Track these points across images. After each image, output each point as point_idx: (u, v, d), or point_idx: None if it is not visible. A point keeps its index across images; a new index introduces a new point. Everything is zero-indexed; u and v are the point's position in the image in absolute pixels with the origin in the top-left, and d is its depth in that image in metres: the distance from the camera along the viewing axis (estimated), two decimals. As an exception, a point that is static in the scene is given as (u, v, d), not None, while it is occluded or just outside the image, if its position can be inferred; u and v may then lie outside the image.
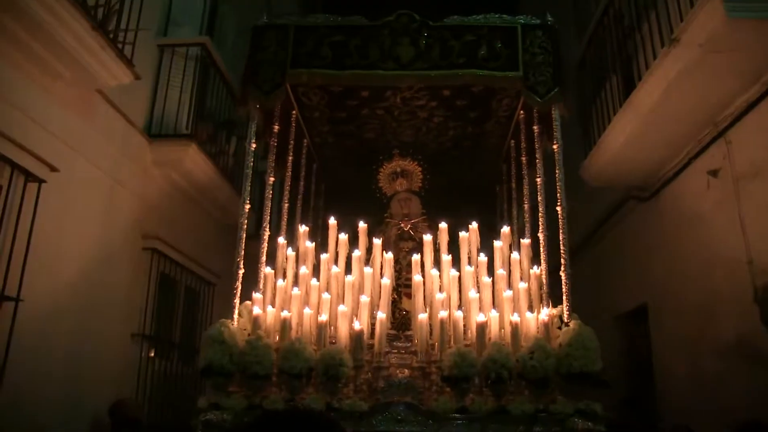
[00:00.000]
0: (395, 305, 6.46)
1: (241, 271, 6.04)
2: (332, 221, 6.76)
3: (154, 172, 8.33)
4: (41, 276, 6.00)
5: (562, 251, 6.02)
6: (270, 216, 6.53)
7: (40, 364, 6.06)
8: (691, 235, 7.57)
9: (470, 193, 8.54)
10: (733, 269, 6.59)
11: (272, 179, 6.69)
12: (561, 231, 6.07)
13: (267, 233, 6.40)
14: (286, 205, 7.21)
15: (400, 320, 6.38)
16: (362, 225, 6.66)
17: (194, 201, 9.34)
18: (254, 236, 6.57)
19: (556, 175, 6.25)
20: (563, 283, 5.92)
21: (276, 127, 6.87)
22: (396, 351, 6.05)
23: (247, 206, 6.27)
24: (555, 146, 6.35)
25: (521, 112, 7.21)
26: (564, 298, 5.89)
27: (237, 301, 5.97)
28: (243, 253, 6.11)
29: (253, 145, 6.51)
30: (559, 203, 6.16)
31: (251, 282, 6.23)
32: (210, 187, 9.24)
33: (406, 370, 5.89)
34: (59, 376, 6.41)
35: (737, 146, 6.65)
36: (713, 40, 5.62)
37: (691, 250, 7.59)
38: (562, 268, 5.96)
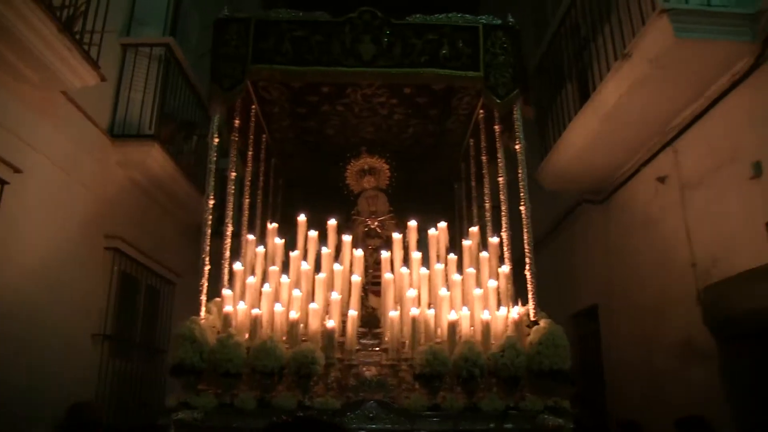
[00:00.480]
0: (362, 303, 6.44)
1: (207, 268, 5.95)
2: (302, 218, 6.71)
3: (117, 173, 8.35)
4: (2, 277, 6.05)
5: (526, 250, 6.08)
6: (232, 212, 6.46)
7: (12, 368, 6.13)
8: (640, 239, 7.95)
9: (429, 191, 8.61)
10: (679, 272, 6.99)
11: (233, 174, 6.61)
12: (525, 230, 6.14)
13: (230, 229, 6.33)
14: (247, 200, 7.15)
15: (367, 318, 6.35)
16: (332, 222, 6.64)
17: (156, 200, 9.29)
18: (215, 234, 6.47)
19: (519, 175, 6.33)
20: (528, 281, 6.01)
21: (236, 122, 6.81)
22: (364, 349, 6.04)
23: (211, 201, 6.18)
24: (518, 146, 6.41)
25: (481, 111, 7.27)
26: (530, 296, 5.97)
27: (204, 298, 5.88)
28: (208, 249, 6.01)
29: (216, 140, 6.41)
30: (522, 203, 6.23)
31: (215, 279, 6.17)
32: (172, 187, 9.19)
33: (374, 368, 5.88)
34: (18, 378, 6.35)
35: (683, 155, 7.07)
36: (662, 56, 6.09)
37: (639, 253, 7.97)
38: (527, 267, 6.03)
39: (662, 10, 5.85)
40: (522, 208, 6.22)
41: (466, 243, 6.58)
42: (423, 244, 6.54)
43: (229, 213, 6.39)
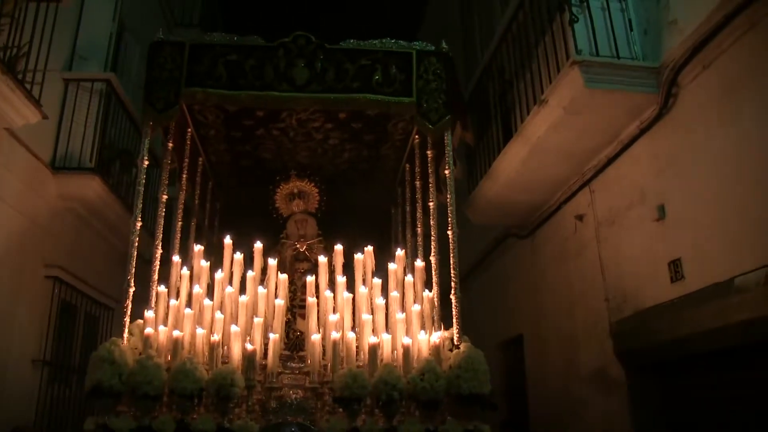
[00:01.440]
0: (289, 326, 6.47)
1: (132, 289, 5.91)
2: (227, 240, 6.70)
3: (57, 204, 8.46)
4: None
5: (452, 275, 6.13)
6: (163, 234, 6.44)
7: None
8: (561, 273, 8.22)
9: (365, 215, 8.60)
10: (594, 306, 7.28)
11: (165, 197, 6.59)
12: (452, 255, 6.20)
13: (159, 251, 6.32)
14: (180, 223, 7.13)
15: (294, 341, 6.38)
16: (258, 245, 6.64)
17: (96, 230, 9.40)
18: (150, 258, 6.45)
19: (448, 200, 6.39)
20: (453, 306, 6.05)
21: (170, 144, 6.79)
22: (290, 372, 6.05)
23: (139, 223, 6.16)
24: (447, 171, 6.48)
25: (416, 136, 7.34)
26: (454, 321, 6.01)
27: (127, 319, 5.84)
28: (134, 271, 5.98)
29: (146, 162, 6.40)
30: (450, 227, 6.29)
31: (145, 302, 6.14)
32: (112, 217, 9.27)
33: (300, 391, 5.89)
34: None
35: (599, 195, 7.39)
36: (574, 104, 6.37)
37: (561, 286, 8.24)
38: (453, 292, 6.08)
39: (573, 61, 6.14)
40: (449, 232, 6.27)
41: (391, 267, 6.61)
42: (350, 270, 6.57)
43: (159, 235, 6.37)
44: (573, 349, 7.77)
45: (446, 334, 6.05)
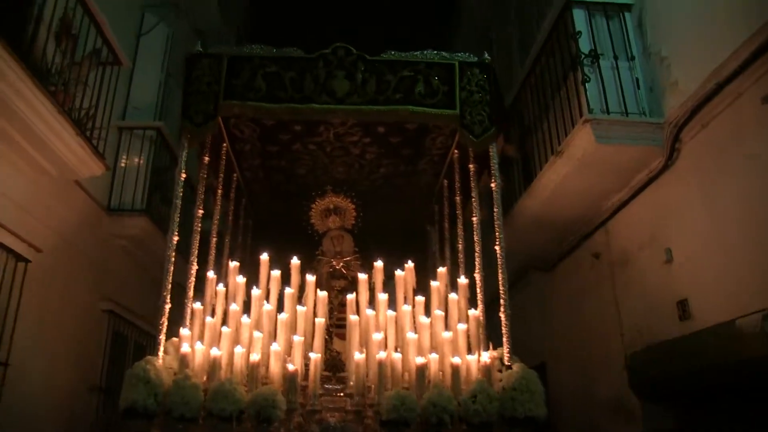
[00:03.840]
0: (326, 346, 6.18)
1: (168, 306, 5.73)
2: (264, 257, 6.49)
3: (112, 242, 8.92)
4: (24, 342, 6.73)
5: (501, 291, 5.90)
6: (198, 250, 6.26)
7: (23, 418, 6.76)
8: (579, 307, 8.51)
9: (400, 232, 8.46)
10: (610, 339, 7.56)
11: (201, 212, 6.41)
12: (500, 270, 5.98)
13: (195, 267, 6.13)
14: (214, 239, 6.92)
15: (332, 361, 6.08)
16: (295, 261, 6.40)
17: (143, 264, 9.55)
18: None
19: (495, 213, 6.19)
20: (503, 324, 5.80)
21: (206, 158, 6.63)
22: (328, 394, 5.74)
23: (176, 238, 5.97)
24: (493, 184, 6.28)
25: (455, 151, 7.14)
26: (504, 339, 5.76)
27: (163, 337, 5.64)
28: (170, 287, 5.79)
29: (183, 175, 6.21)
30: (497, 242, 6.06)
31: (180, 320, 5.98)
32: (158, 252, 9.23)
33: (338, 414, 5.61)
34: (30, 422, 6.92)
35: (613, 235, 7.73)
36: (587, 156, 6.76)
37: (578, 319, 8.51)
38: (502, 309, 5.84)
39: (585, 120, 6.55)
40: (497, 247, 6.06)
41: (434, 284, 6.36)
42: (391, 287, 6.35)
43: (194, 251, 6.18)
44: (591, 380, 8.02)
45: (495, 353, 5.78)
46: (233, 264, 6.61)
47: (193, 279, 6.09)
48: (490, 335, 6.08)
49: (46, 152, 6.77)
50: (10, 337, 6.52)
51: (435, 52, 6.56)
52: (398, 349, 5.78)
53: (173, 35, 10.69)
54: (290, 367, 5.40)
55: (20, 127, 6.29)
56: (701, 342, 5.87)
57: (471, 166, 6.71)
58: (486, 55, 6.66)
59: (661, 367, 6.52)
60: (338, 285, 7.01)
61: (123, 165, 9.22)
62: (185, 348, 5.54)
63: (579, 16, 7.18)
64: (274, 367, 5.47)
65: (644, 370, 6.84)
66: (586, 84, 6.79)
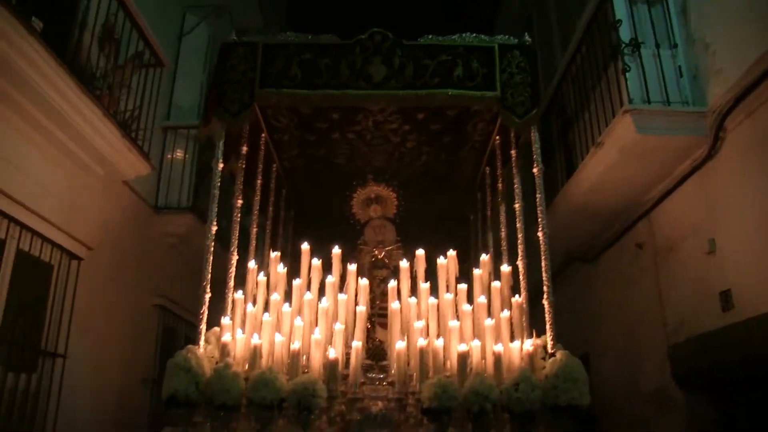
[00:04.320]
0: (369, 335, 6.13)
1: (208, 296, 5.72)
2: (305, 246, 6.47)
3: (160, 240, 9.29)
4: (79, 336, 7.08)
5: (545, 278, 5.80)
6: (239, 241, 6.25)
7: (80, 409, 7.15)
8: (623, 297, 8.45)
9: (442, 221, 8.38)
10: (653, 330, 7.54)
11: (240, 202, 6.38)
12: (543, 257, 5.87)
13: (235, 257, 6.12)
14: (255, 229, 6.91)
15: (374, 350, 6.02)
16: (337, 250, 6.37)
17: (190, 260, 9.63)
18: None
19: (537, 199, 6.10)
20: (546, 311, 5.70)
21: (244, 149, 6.60)
22: (370, 382, 5.69)
23: (214, 227, 5.97)
24: (536, 170, 6.16)
25: (497, 137, 7.03)
26: (548, 327, 5.66)
27: (203, 326, 5.62)
28: (210, 276, 5.78)
29: (221, 166, 6.20)
30: (540, 228, 5.96)
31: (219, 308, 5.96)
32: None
33: (380, 402, 5.55)
34: (86, 411, 7.34)
35: (657, 225, 7.65)
36: (628, 147, 6.70)
37: (622, 310, 8.47)
38: (545, 296, 5.73)
39: (625, 110, 6.46)
40: (540, 234, 5.95)
41: (476, 272, 6.28)
42: (433, 276, 6.28)
43: (234, 241, 6.17)
44: (634, 370, 7.96)
45: (539, 341, 5.68)
46: (274, 254, 6.59)
47: (233, 269, 6.07)
48: (534, 325, 5.99)
49: (94, 154, 7.06)
50: (67, 331, 6.84)
51: (473, 35, 6.46)
52: (440, 337, 5.69)
53: (214, 35, 10.81)
54: (331, 355, 5.36)
55: (70, 132, 6.55)
56: (743, 332, 5.81)
57: (513, 152, 6.62)
58: (526, 36, 6.54)
59: (703, 358, 6.48)
60: (380, 274, 6.97)
61: (168, 164, 9.53)
62: (226, 337, 5.53)
63: (619, 4, 7.08)
64: (315, 356, 5.43)
65: (686, 361, 6.82)
66: (627, 73, 6.71)
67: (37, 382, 6.53)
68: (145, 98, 8.06)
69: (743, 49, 5.83)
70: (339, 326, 5.64)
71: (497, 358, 5.40)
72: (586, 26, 7.75)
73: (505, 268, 6.28)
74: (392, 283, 6.09)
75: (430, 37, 6.42)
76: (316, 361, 5.42)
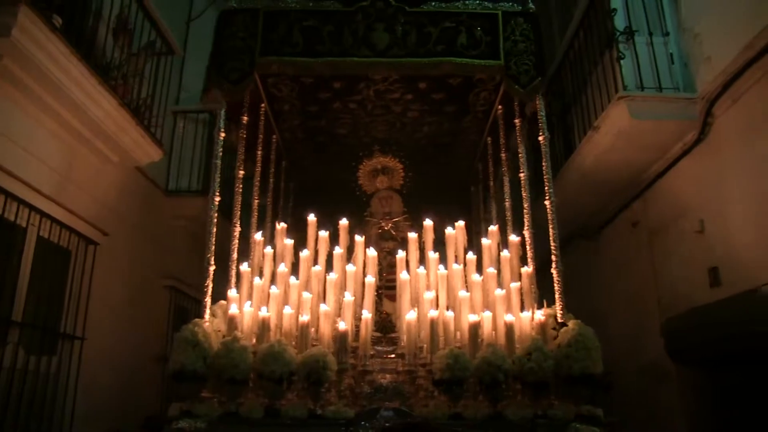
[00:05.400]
0: (376, 307, 6.04)
1: (212, 268, 5.64)
2: (311, 218, 6.38)
3: (171, 223, 9.46)
4: (96, 319, 7.23)
5: (552, 247, 5.75)
6: (242, 213, 6.17)
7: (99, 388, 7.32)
8: (620, 274, 8.79)
9: (445, 192, 8.30)
10: (649, 305, 7.82)
11: (242, 173, 6.29)
12: (550, 226, 5.82)
13: (238, 229, 6.06)
14: (257, 201, 6.80)
15: (382, 323, 5.93)
16: (344, 221, 6.29)
17: (201, 241, 9.75)
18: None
19: (543, 167, 6.04)
20: (555, 280, 5.65)
21: (245, 118, 6.49)
22: (378, 355, 5.64)
23: (217, 198, 5.88)
24: (541, 138, 6.09)
25: (500, 106, 6.94)
26: (557, 296, 5.61)
27: (209, 300, 5.55)
28: (213, 248, 5.71)
29: (222, 135, 6.10)
30: (547, 197, 5.91)
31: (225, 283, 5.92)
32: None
33: (389, 375, 5.49)
34: (104, 390, 7.46)
35: (651, 205, 7.94)
36: (623, 131, 6.94)
37: (620, 286, 8.78)
38: (554, 265, 5.67)
39: (620, 96, 6.70)
40: (547, 202, 5.91)
41: (485, 242, 6.20)
42: (439, 246, 6.21)
43: (237, 213, 6.09)
44: (630, 345, 8.14)
45: (549, 311, 5.62)
46: (281, 225, 6.50)
47: (237, 242, 6.01)
48: (541, 295, 5.93)
49: (109, 143, 7.18)
50: (85, 314, 7.01)
51: (477, 1, 6.36)
52: (450, 308, 5.63)
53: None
54: (341, 326, 5.28)
55: (87, 122, 6.66)
56: (729, 308, 6.08)
57: (516, 120, 6.52)
58: (530, 3, 6.43)
59: (693, 332, 6.75)
60: (388, 246, 6.93)
61: (179, 148, 9.64)
62: (233, 309, 5.44)
63: None
64: (324, 328, 5.36)
65: (678, 335, 7.08)
66: (621, 60, 6.93)
67: (57, 364, 6.65)
68: (157, 85, 8.20)
69: (730, 38, 6.06)
70: (348, 297, 5.56)
71: (509, 329, 5.34)
72: (583, 13, 8.01)
73: (514, 238, 6.20)
74: (400, 254, 6.01)
75: (434, 3, 6.31)
76: (325, 334, 5.34)
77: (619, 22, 7.11)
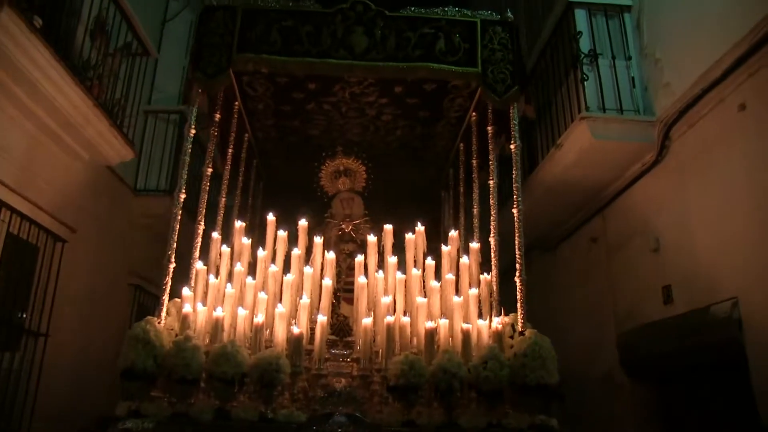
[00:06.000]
0: (333, 310, 5.97)
1: (172, 265, 5.56)
2: (271, 217, 6.32)
3: (138, 221, 9.51)
4: (61, 315, 7.33)
5: (518, 256, 5.69)
6: (208, 212, 6.12)
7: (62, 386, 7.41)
8: (578, 287, 9.02)
9: (414, 196, 8.32)
10: (604, 319, 8.04)
11: (210, 170, 6.23)
12: (516, 234, 5.76)
13: (201, 227, 5.98)
14: (223, 199, 6.73)
15: (339, 326, 5.87)
16: (303, 223, 6.24)
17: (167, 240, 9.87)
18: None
19: (513, 176, 6.01)
20: (518, 289, 5.58)
21: (217, 115, 6.44)
22: (334, 359, 5.58)
23: (183, 195, 5.81)
24: (513, 146, 6.07)
25: (473, 113, 6.93)
26: (518, 305, 5.54)
27: (166, 297, 5.47)
28: (175, 246, 5.64)
29: (193, 131, 6.03)
30: (516, 205, 5.86)
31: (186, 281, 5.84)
32: (183, 230, 9.66)
33: (344, 379, 5.43)
34: (64, 389, 7.51)
35: (610, 222, 8.19)
36: (584, 150, 7.14)
37: (577, 298, 8.99)
38: (518, 274, 5.61)
39: (582, 117, 6.95)
40: (515, 210, 5.86)
41: (444, 248, 6.17)
42: (400, 251, 6.18)
43: (202, 210, 6.03)
44: (588, 356, 8.33)
45: (507, 319, 5.58)
46: (239, 224, 6.44)
47: (199, 239, 5.94)
48: (502, 303, 5.89)
49: (81, 141, 7.32)
50: (50, 311, 7.07)
51: (456, 9, 6.36)
52: (407, 314, 5.59)
53: (197, 21, 10.89)
54: (295, 329, 5.22)
55: (60, 120, 6.83)
56: (679, 325, 6.35)
57: (489, 128, 6.50)
58: (509, 13, 6.43)
59: (646, 347, 7.00)
60: (347, 248, 6.87)
61: (149, 148, 9.74)
62: (187, 308, 5.37)
63: (581, 16, 7.61)
64: (279, 330, 5.29)
65: (632, 349, 7.33)
66: (585, 82, 7.18)
67: (20, 361, 6.66)
68: (131, 86, 8.33)
69: (688, 65, 6.37)
70: (304, 299, 5.49)
71: (465, 336, 5.29)
72: (549, 35, 8.32)
73: (474, 245, 6.16)
74: (359, 258, 5.97)
75: (413, 9, 6.31)
76: (280, 336, 5.27)
77: (584, 45, 7.37)
